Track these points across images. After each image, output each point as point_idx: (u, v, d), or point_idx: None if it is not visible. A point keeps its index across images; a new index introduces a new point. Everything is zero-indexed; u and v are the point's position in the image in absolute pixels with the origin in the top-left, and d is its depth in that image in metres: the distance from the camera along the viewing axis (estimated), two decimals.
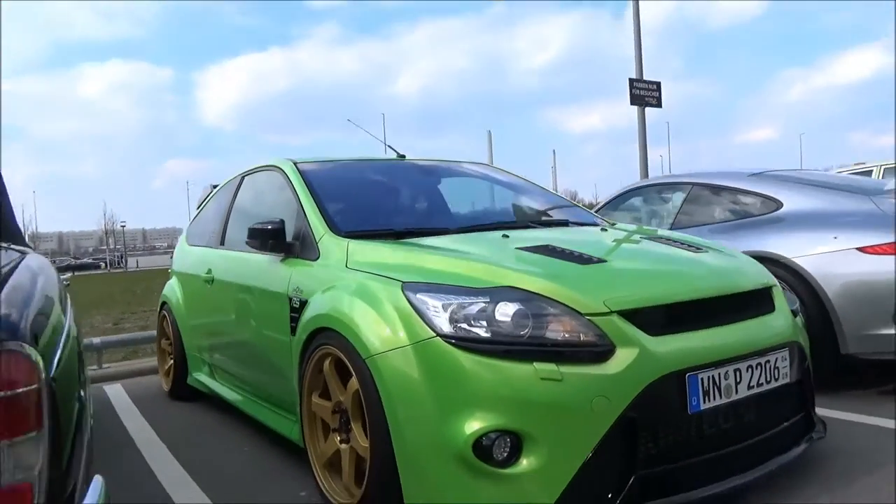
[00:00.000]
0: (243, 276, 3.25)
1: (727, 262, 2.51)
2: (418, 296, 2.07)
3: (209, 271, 3.70)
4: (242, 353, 3.31)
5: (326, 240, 2.68)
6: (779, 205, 3.88)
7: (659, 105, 10.02)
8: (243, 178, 3.94)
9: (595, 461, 1.84)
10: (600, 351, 1.91)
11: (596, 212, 5.17)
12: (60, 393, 1.13)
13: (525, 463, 1.85)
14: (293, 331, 2.62)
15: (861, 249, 3.30)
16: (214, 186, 4.72)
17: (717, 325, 2.12)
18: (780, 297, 2.46)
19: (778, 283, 2.52)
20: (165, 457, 3.03)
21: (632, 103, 9.79)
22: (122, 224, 73.23)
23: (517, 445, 1.86)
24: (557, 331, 1.93)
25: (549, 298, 1.98)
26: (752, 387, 2.11)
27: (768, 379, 2.16)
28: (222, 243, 3.82)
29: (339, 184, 3.26)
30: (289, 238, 2.86)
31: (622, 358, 1.91)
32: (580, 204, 4.31)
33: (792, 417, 2.32)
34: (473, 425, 1.86)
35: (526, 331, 1.92)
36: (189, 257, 4.31)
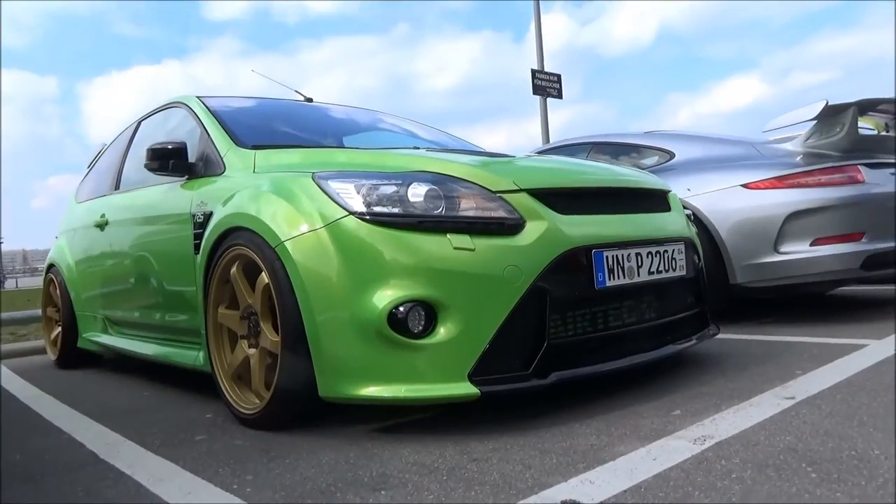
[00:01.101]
0: (141, 209, 3.10)
1: (628, 169, 2.65)
2: (330, 182, 2.05)
3: (103, 216, 3.50)
4: (141, 293, 3.14)
5: (231, 153, 2.61)
6: (671, 155, 4.13)
7: (559, 96, 10.43)
8: (140, 122, 3.77)
9: (508, 329, 1.88)
10: (511, 224, 1.96)
11: None
12: None
13: (441, 332, 1.86)
14: (197, 249, 2.53)
15: (745, 186, 3.56)
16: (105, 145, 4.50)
17: (619, 213, 2.25)
18: (676, 202, 2.62)
19: (673, 191, 2.68)
20: (62, 410, 2.80)
21: (534, 93, 10.17)
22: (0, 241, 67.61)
23: (432, 315, 1.87)
24: (469, 207, 1.97)
25: (461, 179, 2.02)
26: (652, 273, 2.22)
27: (666, 268, 2.29)
28: (117, 188, 3.63)
29: (246, 114, 3.18)
30: (192, 159, 2.77)
31: (532, 231, 1.97)
32: None
33: (688, 311, 2.47)
34: (387, 296, 1.86)
35: (439, 210, 1.95)
36: (78, 213, 4.06)
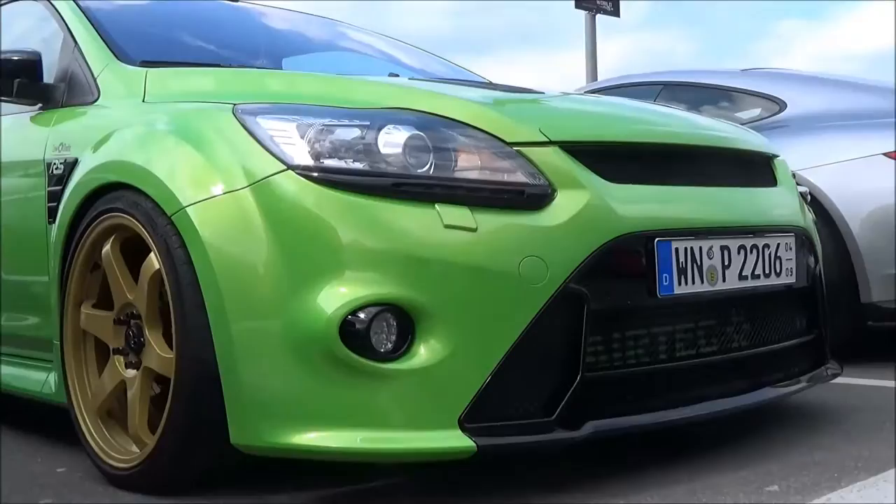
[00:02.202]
0: None
1: (714, 121, 2.67)
2: (259, 120, 2.05)
3: None
4: None
5: (109, 72, 2.62)
6: (781, 106, 4.16)
7: (616, 13, 10.47)
8: None
9: (522, 353, 1.88)
10: (534, 193, 1.96)
11: None
12: None
13: (421, 353, 1.86)
14: (52, 215, 2.52)
15: (890, 155, 3.59)
16: None
17: (698, 185, 2.26)
18: (786, 174, 2.65)
19: (782, 157, 2.70)
20: None
21: (577, 6, 10.20)
22: None
23: (408, 328, 1.87)
24: (472, 166, 1.97)
25: (460, 122, 2.02)
26: (746, 277, 2.24)
27: (767, 271, 2.30)
28: None
29: (137, 16, 3.19)
30: (49, 79, 2.76)
31: (565, 205, 1.97)
32: None
33: (796, 338, 2.48)
34: (340, 296, 1.85)
35: (426, 168, 1.95)
36: None
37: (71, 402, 2.39)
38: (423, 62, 3.69)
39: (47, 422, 2.80)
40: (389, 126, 1.99)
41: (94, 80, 2.63)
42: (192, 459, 2.07)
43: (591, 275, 1.95)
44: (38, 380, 2.68)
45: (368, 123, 2.00)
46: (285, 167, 1.95)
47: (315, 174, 1.93)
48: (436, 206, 1.90)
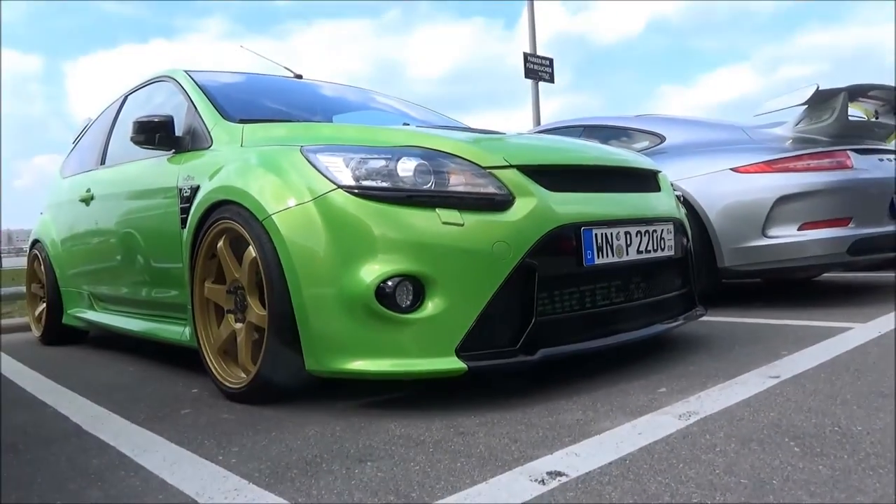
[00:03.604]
0: (126, 184, 3.07)
1: (619, 150, 2.65)
2: (318, 156, 2.03)
3: (88, 190, 3.46)
4: (127, 269, 3.11)
5: (219, 127, 2.58)
6: (662, 139, 4.14)
7: (551, 80, 10.38)
8: (126, 97, 3.72)
9: (496, 305, 1.87)
10: (500, 200, 1.95)
11: None
12: None
13: (429, 307, 1.85)
14: (183, 223, 2.51)
15: (734, 170, 3.57)
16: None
17: (608, 191, 2.25)
18: (666, 183, 2.62)
19: (663, 172, 2.68)
20: (47, 385, 2.77)
21: (526, 76, 10.11)
22: None
23: (420, 291, 1.86)
24: (459, 182, 1.96)
25: (451, 154, 2.01)
26: (641, 252, 2.23)
27: (655, 247, 2.29)
28: (103, 163, 3.59)
29: (234, 89, 3.14)
30: (179, 133, 2.74)
31: (521, 207, 1.96)
32: None
33: (675, 291, 2.48)
34: (374, 271, 1.85)
35: (428, 185, 1.94)
36: (63, 188, 4.01)
37: (199, 346, 2.38)
38: (425, 115, 3.66)
39: (183, 359, 2.80)
40: (404, 157, 1.98)
41: (209, 132, 2.61)
42: (279, 379, 2.06)
43: (539, 252, 1.94)
44: (177, 331, 2.67)
45: (390, 156, 1.99)
46: (336, 186, 1.94)
47: (356, 191, 1.92)
48: (436, 209, 1.89)
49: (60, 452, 1.76)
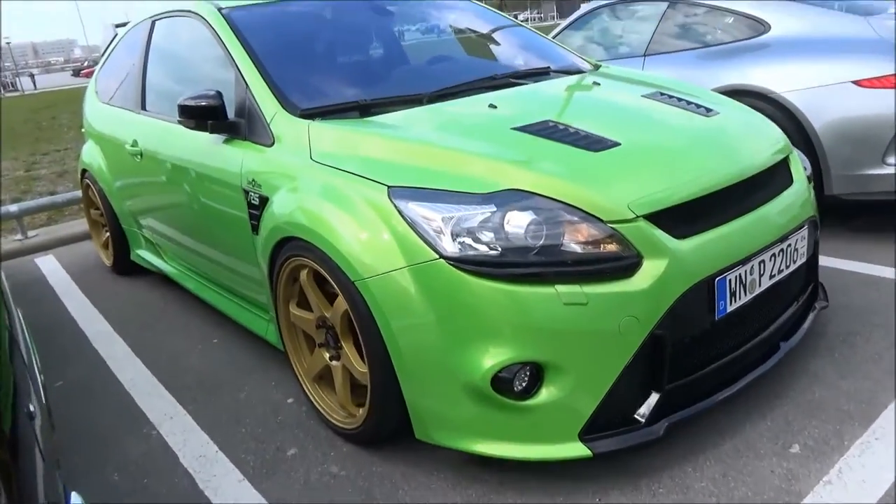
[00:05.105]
0: (181, 155, 2.77)
1: (743, 129, 2.22)
2: (410, 206, 1.75)
3: (135, 143, 3.17)
4: (193, 241, 2.95)
5: (280, 121, 2.24)
6: (766, 27, 3.53)
7: None
8: (154, 23, 3.27)
9: (621, 385, 1.69)
10: (627, 265, 1.68)
11: (556, 35, 4.69)
12: None
13: (549, 392, 1.69)
14: (255, 229, 2.28)
15: (857, 83, 3.06)
16: (118, 26, 3.99)
17: (741, 216, 1.90)
18: (797, 165, 2.24)
19: (793, 150, 2.29)
20: (113, 340, 2.73)
21: None
22: (7, 41, 65.23)
23: (538, 375, 1.69)
24: (577, 242, 1.67)
25: (565, 203, 1.69)
26: (774, 275, 1.96)
27: (788, 264, 2.01)
28: (143, 107, 3.25)
29: (279, 37, 2.68)
30: (230, 115, 2.40)
31: (650, 270, 1.68)
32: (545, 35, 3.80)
33: (801, 295, 2.23)
34: (493, 359, 1.66)
35: (541, 241, 1.66)
36: (106, 119, 3.71)
37: (292, 367, 2.30)
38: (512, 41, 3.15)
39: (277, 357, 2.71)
40: (512, 212, 1.69)
41: (268, 125, 2.25)
42: (386, 433, 1.99)
43: (669, 318, 1.71)
44: (261, 325, 2.59)
45: (494, 208, 1.70)
46: (437, 256, 1.68)
47: (463, 266, 1.66)
48: (555, 286, 1.64)
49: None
